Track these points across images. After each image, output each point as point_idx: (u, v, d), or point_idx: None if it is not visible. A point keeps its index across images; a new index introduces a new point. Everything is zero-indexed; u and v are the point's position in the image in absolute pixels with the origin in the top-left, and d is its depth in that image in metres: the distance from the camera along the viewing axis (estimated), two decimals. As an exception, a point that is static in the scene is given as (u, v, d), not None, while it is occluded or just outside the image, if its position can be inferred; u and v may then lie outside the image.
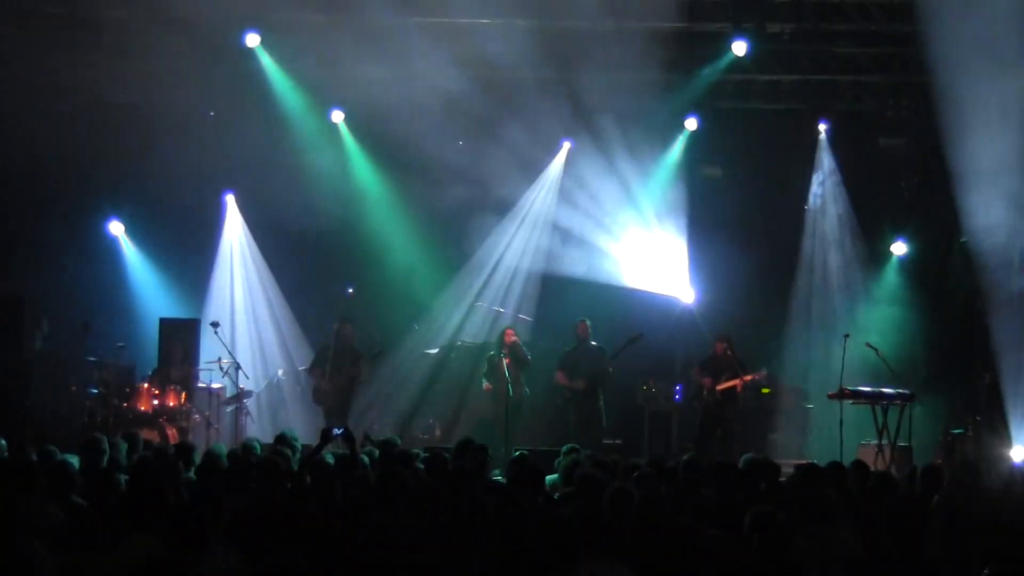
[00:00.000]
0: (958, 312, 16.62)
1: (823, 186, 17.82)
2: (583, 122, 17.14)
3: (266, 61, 16.10)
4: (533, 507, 6.32)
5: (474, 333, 17.63)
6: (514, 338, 15.84)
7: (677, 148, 17.66)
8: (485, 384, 15.74)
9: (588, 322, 15.80)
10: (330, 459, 9.07)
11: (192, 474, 8.81)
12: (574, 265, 17.73)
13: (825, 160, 17.68)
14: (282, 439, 10.23)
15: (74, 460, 9.06)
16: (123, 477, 8.08)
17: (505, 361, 15.38)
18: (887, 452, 14.08)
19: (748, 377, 15.15)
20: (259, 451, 10.10)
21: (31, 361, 15.75)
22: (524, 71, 16.53)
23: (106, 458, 9.13)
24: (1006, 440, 14.07)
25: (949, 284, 17.22)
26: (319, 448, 9.39)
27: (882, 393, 14.47)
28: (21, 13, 15.45)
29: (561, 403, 15.86)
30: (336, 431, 10.00)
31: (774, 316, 17.87)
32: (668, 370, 17.32)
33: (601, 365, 15.61)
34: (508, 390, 15.01)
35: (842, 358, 14.56)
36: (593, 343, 15.81)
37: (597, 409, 15.68)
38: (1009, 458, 13.58)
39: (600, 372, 15.59)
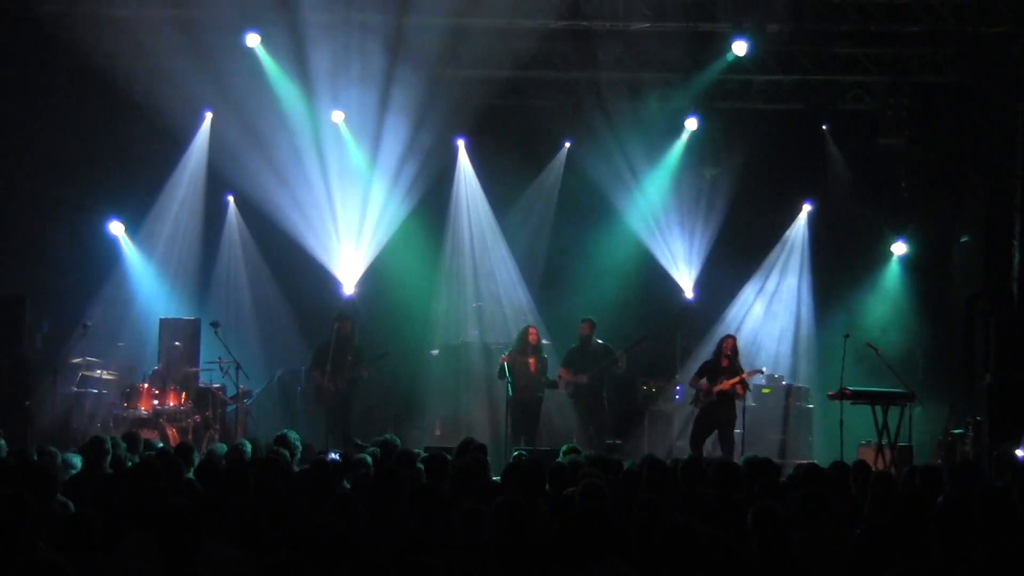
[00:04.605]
0: (958, 312, 16.61)
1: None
2: (583, 122, 17.13)
3: (266, 61, 16.09)
4: (534, 508, 6.33)
5: (475, 333, 17.62)
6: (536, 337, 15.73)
7: (677, 148, 17.66)
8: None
9: (593, 321, 15.75)
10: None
11: (192, 474, 8.80)
12: (574, 264, 17.73)
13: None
14: (282, 440, 10.21)
15: (76, 460, 9.11)
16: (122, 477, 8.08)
17: (529, 360, 15.32)
18: (887, 452, 14.08)
19: (745, 375, 15.16)
20: (250, 453, 10.08)
21: (31, 361, 15.73)
22: (525, 70, 16.53)
23: (108, 458, 9.13)
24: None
25: (949, 284, 17.22)
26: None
27: (882, 393, 14.47)
28: (20, 12, 15.44)
29: (565, 398, 15.88)
30: (331, 456, 9.98)
31: (773, 316, 17.92)
32: (668, 370, 17.32)
33: (605, 363, 15.54)
34: (508, 390, 14.96)
35: (842, 358, 14.57)
36: (599, 341, 15.72)
37: (601, 408, 15.61)
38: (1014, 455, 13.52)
39: (604, 369, 15.53)
